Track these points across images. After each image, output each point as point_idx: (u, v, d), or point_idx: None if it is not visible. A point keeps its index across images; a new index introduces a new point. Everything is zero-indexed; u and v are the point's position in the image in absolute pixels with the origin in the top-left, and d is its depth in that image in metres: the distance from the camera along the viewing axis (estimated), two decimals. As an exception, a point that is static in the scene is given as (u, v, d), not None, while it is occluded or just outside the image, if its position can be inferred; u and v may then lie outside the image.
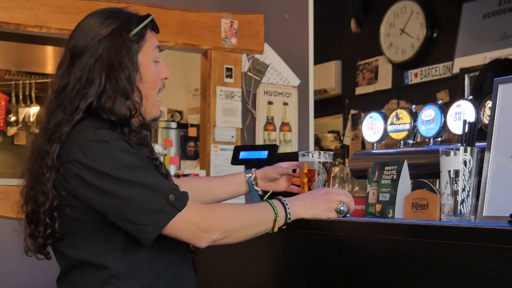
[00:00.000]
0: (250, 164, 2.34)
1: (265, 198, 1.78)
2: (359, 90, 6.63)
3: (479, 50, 5.30)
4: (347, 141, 6.77)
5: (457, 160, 1.59)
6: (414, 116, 2.18)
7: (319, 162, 1.94)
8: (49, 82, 6.70)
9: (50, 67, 6.44)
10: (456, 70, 5.46)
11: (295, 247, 1.84)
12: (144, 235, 1.53)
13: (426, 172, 2.01)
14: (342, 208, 1.71)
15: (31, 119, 6.72)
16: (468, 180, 1.58)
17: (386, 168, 1.88)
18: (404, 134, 2.20)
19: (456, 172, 1.59)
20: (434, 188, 1.90)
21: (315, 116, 4.64)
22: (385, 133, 2.28)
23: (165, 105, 6.33)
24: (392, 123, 2.24)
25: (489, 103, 1.84)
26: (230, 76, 4.25)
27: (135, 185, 1.51)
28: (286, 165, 2.03)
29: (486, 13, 5.34)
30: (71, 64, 1.63)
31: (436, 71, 5.72)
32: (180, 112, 6.73)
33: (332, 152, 1.96)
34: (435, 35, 5.78)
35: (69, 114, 1.59)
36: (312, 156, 1.95)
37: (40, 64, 6.41)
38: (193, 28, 4.12)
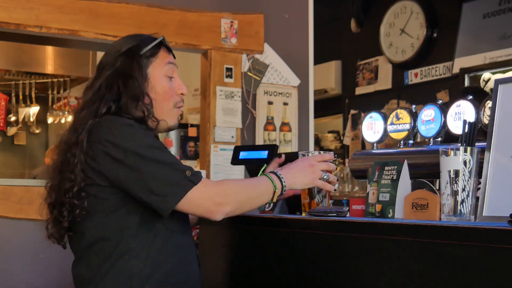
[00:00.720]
0: (250, 164, 2.35)
1: (260, 173, 1.99)
2: (359, 90, 6.63)
3: (479, 50, 5.30)
4: (347, 141, 6.78)
5: (457, 160, 1.59)
6: (414, 116, 2.18)
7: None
8: (49, 82, 6.71)
9: (50, 67, 6.44)
10: (456, 70, 5.46)
11: (295, 247, 1.84)
12: (164, 205, 1.74)
13: (426, 172, 2.01)
14: (325, 176, 1.91)
15: (31, 119, 6.72)
16: (468, 180, 1.58)
17: (386, 168, 1.88)
18: (404, 134, 2.21)
19: (456, 172, 1.59)
20: (434, 188, 1.90)
21: (315, 116, 4.64)
22: (385, 133, 2.28)
23: (165, 105, 6.30)
24: (392, 123, 2.24)
25: (489, 103, 1.84)
26: (230, 76, 4.25)
27: (156, 162, 1.75)
28: (282, 158, 2.21)
29: (486, 13, 5.34)
30: (97, 77, 1.91)
31: (436, 71, 5.72)
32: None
33: (332, 152, 2.01)
34: (435, 35, 5.78)
35: (93, 114, 1.83)
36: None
37: (40, 64, 6.41)
38: (193, 28, 4.12)
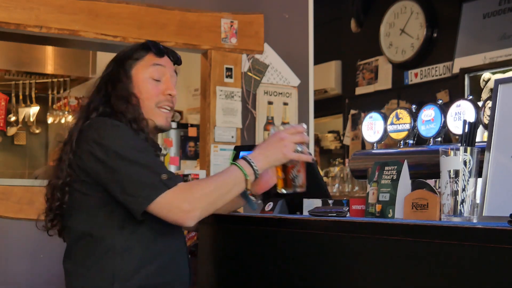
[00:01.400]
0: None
1: (231, 159, 2.01)
2: (359, 90, 6.63)
3: (479, 50, 5.30)
4: (347, 141, 6.77)
5: (457, 160, 1.59)
6: (414, 116, 2.18)
7: None
8: (49, 82, 6.71)
9: (50, 67, 6.44)
10: (456, 70, 5.46)
11: (295, 247, 1.84)
12: (137, 206, 1.78)
13: (426, 172, 2.01)
14: (298, 148, 1.83)
15: (31, 119, 6.72)
16: (468, 180, 1.58)
17: (386, 168, 1.88)
18: (404, 134, 2.21)
19: (456, 172, 1.59)
20: (434, 188, 1.90)
21: (315, 116, 4.64)
22: (385, 133, 2.28)
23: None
24: (392, 123, 2.24)
25: (489, 103, 1.84)
26: (230, 76, 4.24)
27: (135, 163, 1.79)
28: None
29: (486, 13, 5.34)
30: (95, 84, 2.04)
31: (436, 71, 5.72)
32: (180, 112, 6.73)
33: (304, 124, 1.92)
34: (435, 35, 5.78)
35: (85, 116, 1.94)
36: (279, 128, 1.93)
37: (40, 64, 6.40)
38: (193, 28, 4.12)
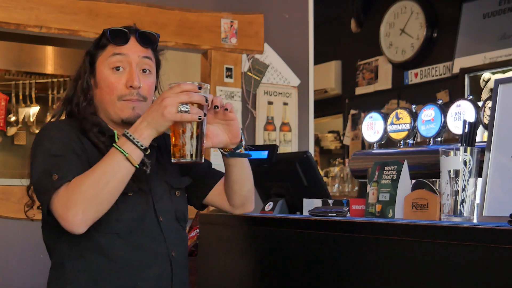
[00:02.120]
0: (250, 164, 2.34)
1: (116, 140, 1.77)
2: (359, 90, 6.63)
3: (479, 50, 5.30)
4: (347, 141, 6.77)
5: (457, 160, 1.59)
6: (414, 116, 2.18)
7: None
8: (49, 82, 6.71)
9: (50, 67, 6.44)
10: (456, 70, 5.46)
11: (295, 247, 1.84)
12: (43, 213, 1.70)
13: (426, 172, 2.01)
14: (183, 108, 1.60)
15: (31, 119, 6.71)
16: (468, 180, 1.58)
17: (386, 168, 1.88)
18: (404, 134, 2.21)
19: (456, 172, 1.59)
20: (434, 188, 1.90)
21: (315, 116, 4.64)
22: (385, 133, 2.28)
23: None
24: (392, 123, 2.24)
25: (489, 103, 1.84)
26: (230, 76, 4.24)
27: (40, 169, 1.70)
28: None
29: (486, 13, 5.34)
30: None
31: (436, 71, 5.72)
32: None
33: (196, 82, 1.65)
34: (435, 35, 5.78)
35: (54, 116, 1.92)
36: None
37: (40, 64, 6.40)
38: (193, 28, 4.12)
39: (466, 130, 1.69)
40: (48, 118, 1.95)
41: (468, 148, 1.60)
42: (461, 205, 1.58)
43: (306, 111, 4.52)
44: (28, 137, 6.87)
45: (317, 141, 7.62)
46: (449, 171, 1.59)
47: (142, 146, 1.64)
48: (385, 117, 2.28)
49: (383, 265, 1.53)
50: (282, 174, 2.49)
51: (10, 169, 6.32)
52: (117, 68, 1.81)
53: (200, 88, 1.64)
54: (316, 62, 4.73)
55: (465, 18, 5.49)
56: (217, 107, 1.73)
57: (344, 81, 6.90)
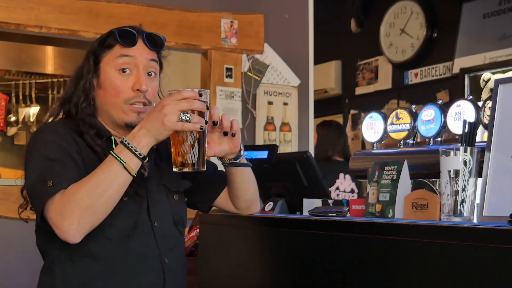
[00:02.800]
0: (250, 164, 2.34)
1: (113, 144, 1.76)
2: (359, 90, 6.63)
3: (479, 50, 5.30)
4: (347, 141, 6.77)
5: (457, 160, 1.59)
6: (414, 116, 2.18)
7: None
8: (49, 82, 6.71)
9: (50, 67, 6.44)
10: (456, 70, 5.46)
11: (295, 247, 1.84)
12: (37, 218, 1.66)
13: (426, 172, 2.01)
14: (183, 117, 1.56)
15: (31, 119, 6.71)
16: (468, 180, 1.58)
17: (386, 168, 1.88)
18: (404, 134, 2.20)
19: (456, 172, 1.59)
20: (434, 188, 1.90)
21: (315, 116, 4.64)
22: (385, 133, 2.28)
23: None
24: (392, 123, 2.24)
25: (489, 103, 1.84)
26: (230, 76, 4.24)
27: (34, 173, 1.65)
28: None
29: (486, 13, 5.34)
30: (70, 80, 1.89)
31: (436, 71, 5.72)
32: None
33: (196, 89, 1.62)
34: (435, 35, 5.78)
35: (51, 115, 1.86)
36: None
37: (40, 64, 6.40)
38: (193, 28, 4.12)
39: (466, 130, 1.69)
40: (50, 114, 1.89)
41: (468, 148, 1.60)
42: (461, 205, 1.58)
43: (306, 111, 4.52)
44: (28, 137, 6.85)
45: (317, 141, 7.62)
46: (449, 171, 1.59)
47: (140, 154, 1.60)
48: (385, 117, 2.28)
49: (383, 265, 1.53)
50: (282, 174, 2.49)
51: (10, 169, 6.32)
52: (124, 70, 1.76)
53: (201, 95, 1.60)
54: (316, 62, 4.73)
55: (465, 18, 5.49)
56: (216, 123, 1.72)
57: (344, 81, 6.90)
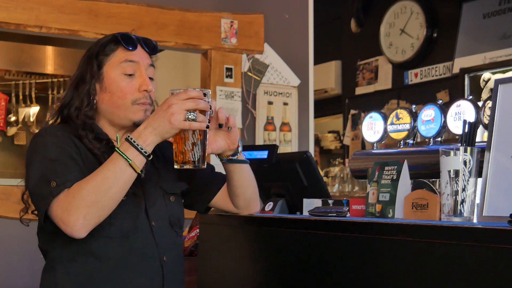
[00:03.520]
0: (250, 164, 2.34)
1: (117, 140, 1.77)
2: (359, 90, 6.63)
3: (479, 50, 5.30)
4: (347, 141, 6.77)
5: (457, 160, 1.59)
6: (414, 116, 2.18)
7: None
8: (49, 82, 6.71)
9: (50, 67, 6.44)
10: (456, 70, 5.46)
11: (295, 247, 1.84)
12: (40, 219, 1.68)
13: (426, 172, 2.01)
14: (190, 116, 1.60)
15: (31, 119, 6.71)
16: (468, 180, 1.58)
17: (386, 168, 1.88)
18: (404, 134, 2.21)
19: (456, 172, 1.59)
20: (434, 188, 1.90)
21: (315, 116, 4.64)
22: (385, 133, 2.28)
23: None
24: (392, 123, 2.24)
25: (489, 103, 1.84)
26: (230, 76, 4.24)
27: (37, 175, 1.68)
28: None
29: (486, 13, 5.34)
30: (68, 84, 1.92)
31: (436, 71, 5.72)
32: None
33: (199, 89, 1.66)
34: (435, 35, 5.78)
35: (50, 120, 1.88)
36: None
37: (40, 64, 6.40)
38: (193, 28, 4.12)
39: (466, 130, 1.69)
40: (48, 118, 1.91)
41: (468, 148, 1.60)
42: (461, 205, 1.58)
43: (306, 111, 4.52)
44: (28, 137, 6.86)
45: (317, 141, 7.63)
46: (449, 171, 1.59)
47: (146, 152, 1.64)
48: (385, 117, 2.28)
49: (383, 265, 1.54)
50: (282, 174, 2.49)
51: (10, 169, 6.32)
52: (129, 73, 1.82)
53: (205, 95, 1.65)
54: (316, 62, 4.73)
55: (465, 18, 5.49)
56: (222, 125, 1.79)
57: (344, 81, 6.91)
